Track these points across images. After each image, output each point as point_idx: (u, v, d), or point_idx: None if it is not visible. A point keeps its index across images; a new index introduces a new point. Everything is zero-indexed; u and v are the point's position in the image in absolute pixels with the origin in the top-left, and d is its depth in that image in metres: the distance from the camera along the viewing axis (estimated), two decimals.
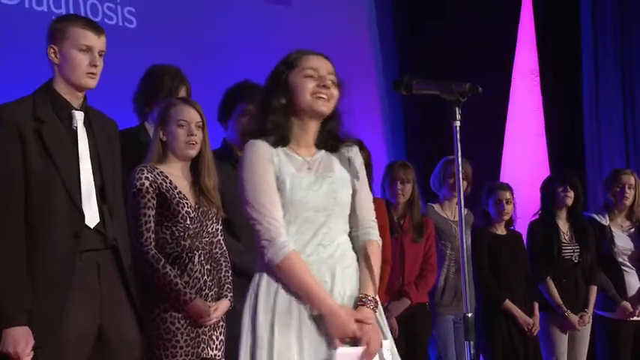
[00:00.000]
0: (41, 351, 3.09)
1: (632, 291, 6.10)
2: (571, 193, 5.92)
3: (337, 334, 2.98)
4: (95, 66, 3.31)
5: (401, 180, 5.23)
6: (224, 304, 3.75)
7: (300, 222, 3.10)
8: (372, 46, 9.45)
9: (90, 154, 3.30)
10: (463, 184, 5.41)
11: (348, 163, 3.32)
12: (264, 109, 3.20)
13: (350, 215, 3.27)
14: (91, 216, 3.22)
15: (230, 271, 3.87)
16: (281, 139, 3.16)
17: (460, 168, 3.22)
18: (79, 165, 3.25)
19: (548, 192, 6.07)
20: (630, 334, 6.01)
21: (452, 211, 5.60)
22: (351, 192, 3.25)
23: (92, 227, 3.22)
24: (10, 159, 3.14)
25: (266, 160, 3.08)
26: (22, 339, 3.05)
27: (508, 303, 5.51)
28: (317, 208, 3.12)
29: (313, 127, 3.25)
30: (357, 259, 3.22)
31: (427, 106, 8.17)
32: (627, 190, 6.05)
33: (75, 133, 3.30)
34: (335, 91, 3.32)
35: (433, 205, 5.59)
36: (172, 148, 3.76)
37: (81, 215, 3.21)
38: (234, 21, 7.98)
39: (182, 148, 3.75)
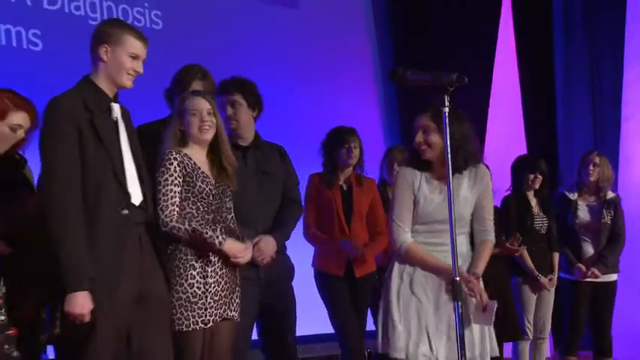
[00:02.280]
0: (99, 313, 3.13)
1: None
2: (539, 178, 5.98)
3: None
4: (137, 71, 3.39)
5: (398, 162, 5.22)
6: (250, 246, 3.83)
7: None
8: (369, 41, 9.35)
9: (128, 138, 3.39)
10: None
11: None
12: None
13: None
14: (136, 195, 3.30)
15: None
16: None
17: (449, 149, 3.23)
18: (122, 152, 3.31)
19: (520, 174, 6.11)
20: (587, 292, 6.05)
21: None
22: None
23: (137, 205, 3.30)
24: (70, 146, 3.18)
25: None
26: (85, 302, 3.09)
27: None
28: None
29: None
30: None
31: (419, 95, 8.14)
32: (592, 168, 6.10)
33: (115, 123, 3.36)
34: None
35: None
36: (191, 135, 3.77)
37: (127, 195, 3.27)
38: (247, 22, 8.01)
39: (198, 133, 3.75)
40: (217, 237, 3.63)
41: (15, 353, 3.17)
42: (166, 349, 3.42)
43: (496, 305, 3.82)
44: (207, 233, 3.63)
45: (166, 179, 3.64)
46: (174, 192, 3.63)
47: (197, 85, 4.22)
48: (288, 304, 4.45)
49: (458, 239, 3.59)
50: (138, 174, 3.38)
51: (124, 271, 3.23)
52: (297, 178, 4.72)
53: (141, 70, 3.43)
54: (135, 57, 3.37)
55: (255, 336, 4.51)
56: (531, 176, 6.05)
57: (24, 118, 3.44)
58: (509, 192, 6.21)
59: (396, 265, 3.82)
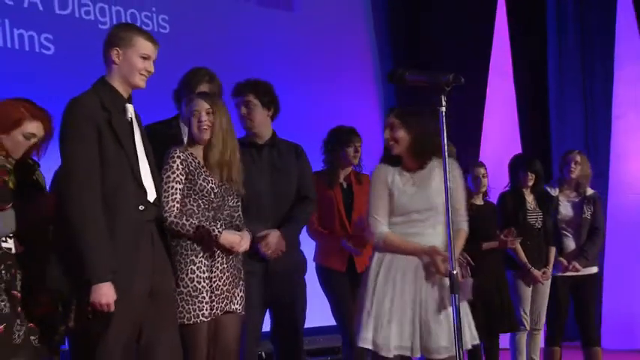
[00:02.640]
0: (118, 303, 3.15)
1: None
2: (533, 176, 5.97)
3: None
4: (149, 71, 3.41)
5: None
6: (247, 235, 3.81)
7: None
8: (368, 42, 9.35)
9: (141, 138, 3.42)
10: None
11: None
12: None
13: None
14: (151, 192, 3.33)
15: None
16: None
17: (446, 147, 3.22)
18: (137, 151, 3.33)
19: (516, 173, 6.10)
20: (568, 285, 6.07)
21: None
22: None
23: (152, 201, 3.33)
24: (89, 146, 3.20)
25: None
26: (110, 292, 3.11)
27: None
28: None
29: None
30: None
31: (418, 95, 8.13)
32: (573, 166, 6.13)
33: (130, 123, 3.38)
34: None
35: None
36: (191, 134, 3.80)
37: (144, 191, 3.30)
38: (247, 25, 8.00)
39: (196, 132, 3.77)
40: (214, 230, 3.64)
41: (38, 344, 3.22)
42: (175, 344, 3.43)
43: (472, 281, 3.91)
44: (203, 227, 3.64)
45: (169, 176, 3.65)
46: (176, 189, 3.65)
47: (204, 88, 4.22)
48: (297, 297, 4.45)
49: (436, 229, 3.85)
50: (151, 171, 3.40)
51: (138, 268, 3.25)
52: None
53: (152, 69, 3.44)
54: (146, 57, 3.38)
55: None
56: (526, 175, 6.04)
57: (38, 127, 3.46)
58: (506, 189, 6.21)
59: (375, 256, 3.86)
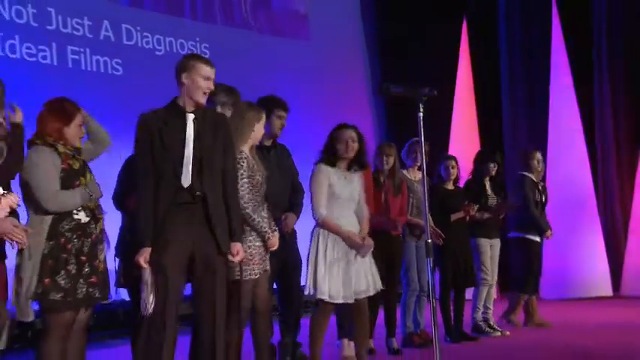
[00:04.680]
0: (161, 263, 3.17)
1: None
2: (495, 166, 5.85)
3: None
4: (210, 89, 3.39)
5: (386, 154, 5.16)
6: (276, 237, 3.79)
7: None
8: (363, 64, 9.39)
9: (194, 140, 3.32)
10: (425, 158, 5.37)
11: None
12: None
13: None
14: (185, 180, 3.25)
15: None
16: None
17: (423, 145, 3.22)
18: (184, 149, 3.30)
19: (481, 163, 5.92)
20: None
21: (414, 175, 5.46)
22: None
23: (185, 187, 3.26)
24: (145, 148, 3.25)
25: None
26: (146, 254, 3.14)
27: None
28: None
29: None
30: None
31: (401, 104, 8.10)
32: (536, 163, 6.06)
33: (184, 128, 3.33)
34: None
35: (402, 170, 5.33)
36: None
37: (178, 180, 3.24)
38: (268, 52, 8.08)
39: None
40: (267, 232, 3.65)
41: (97, 294, 3.20)
42: (218, 291, 3.35)
43: (372, 244, 4.03)
44: (264, 228, 3.63)
45: (241, 175, 3.59)
46: (244, 183, 3.60)
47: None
48: (298, 260, 4.44)
49: (351, 212, 4.04)
50: (199, 164, 3.32)
51: (170, 239, 3.22)
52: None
53: (212, 87, 3.40)
54: (207, 78, 3.35)
55: None
56: (491, 165, 5.88)
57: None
58: (470, 177, 6.03)
59: (320, 232, 3.96)
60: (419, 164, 5.38)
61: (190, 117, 3.35)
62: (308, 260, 4.01)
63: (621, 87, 8.78)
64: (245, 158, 3.64)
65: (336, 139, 4.07)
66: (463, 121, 9.00)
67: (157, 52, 7.21)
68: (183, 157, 3.29)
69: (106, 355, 5.30)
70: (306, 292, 3.99)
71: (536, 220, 5.95)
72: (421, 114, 3.15)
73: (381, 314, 5.09)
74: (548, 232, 6.01)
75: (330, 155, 4.05)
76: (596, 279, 8.04)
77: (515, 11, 9.33)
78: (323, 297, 3.87)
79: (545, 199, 6.13)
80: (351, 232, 3.94)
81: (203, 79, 3.34)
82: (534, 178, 6.07)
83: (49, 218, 3.08)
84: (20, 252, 3.05)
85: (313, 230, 4.03)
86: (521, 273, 6.06)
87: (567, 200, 8.14)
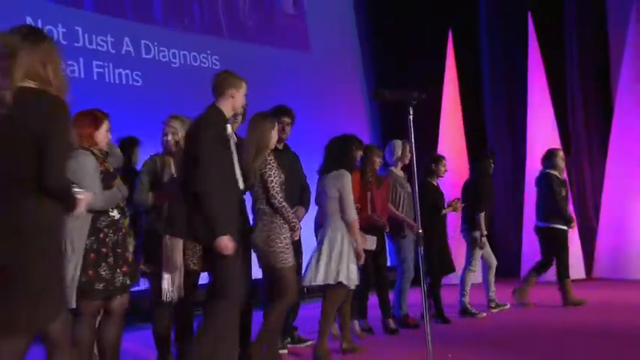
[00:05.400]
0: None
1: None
2: (492, 165, 5.98)
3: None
4: (246, 103, 3.56)
5: (377, 155, 5.06)
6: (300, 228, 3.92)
7: None
8: (359, 69, 9.39)
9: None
10: (409, 157, 5.32)
11: None
12: None
13: None
14: (241, 183, 3.41)
15: None
16: None
17: (413, 145, 3.23)
18: (233, 153, 3.41)
19: (482, 164, 5.96)
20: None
21: (401, 172, 5.38)
22: None
23: (242, 188, 3.43)
24: (218, 148, 3.30)
25: None
26: (231, 242, 3.20)
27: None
28: None
29: None
30: None
31: (394, 107, 7.93)
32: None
33: (229, 137, 3.43)
34: None
35: (392, 168, 5.33)
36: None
37: (238, 182, 3.39)
38: (272, 63, 8.15)
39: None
40: (296, 224, 3.76)
41: (128, 281, 3.25)
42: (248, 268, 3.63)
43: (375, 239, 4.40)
44: (294, 219, 3.74)
45: (275, 173, 3.69)
46: (277, 182, 3.69)
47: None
48: (300, 247, 4.46)
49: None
50: (241, 169, 3.47)
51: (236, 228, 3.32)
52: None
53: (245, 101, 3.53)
54: (245, 94, 3.48)
55: None
56: (492, 165, 5.98)
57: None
58: (470, 177, 6.08)
59: (341, 226, 4.08)
60: (406, 163, 5.37)
61: (229, 127, 3.45)
62: (320, 250, 4.03)
63: (591, 85, 8.80)
64: (272, 160, 3.73)
65: (356, 153, 4.30)
66: (450, 122, 9.00)
67: (173, 65, 7.29)
68: (234, 160, 3.43)
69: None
70: (319, 280, 4.01)
71: (563, 213, 6.00)
72: (411, 116, 3.17)
73: (372, 299, 5.15)
74: (572, 224, 6.08)
75: (352, 165, 4.20)
76: (570, 263, 8.03)
77: (494, 22, 9.36)
78: (347, 282, 4.00)
79: (567, 193, 6.17)
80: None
81: (244, 95, 3.48)
82: (558, 175, 6.11)
83: (89, 216, 3.11)
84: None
85: (329, 224, 4.08)
86: (552, 259, 6.06)
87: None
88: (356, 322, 4.85)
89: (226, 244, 3.17)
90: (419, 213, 3.27)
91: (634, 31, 7.96)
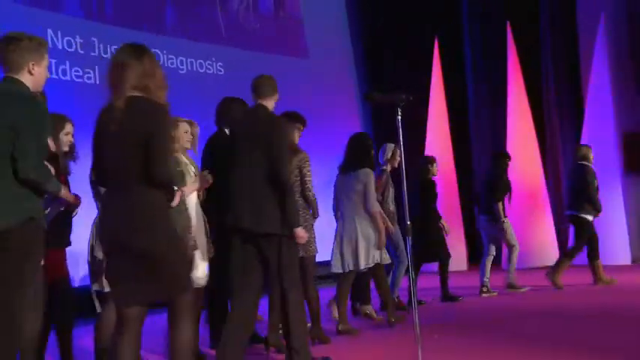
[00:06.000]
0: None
1: None
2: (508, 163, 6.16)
3: None
4: None
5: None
6: None
7: None
8: (352, 74, 9.45)
9: None
10: (398, 160, 5.16)
11: None
12: None
13: None
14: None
15: None
16: None
17: (402, 145, 3.21)
18: None
19: (500, 161, 6.07)
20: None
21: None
22: None
23: None
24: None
25: None
26: (304, 233, 3.21)
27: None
28: None
29: None
30: None
31: (384, 109, 8.02)
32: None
33: None
34: None
35: (385, 167, 5.26)
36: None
37: None
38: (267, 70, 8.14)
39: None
40: (317, 215, 3.90)
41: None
42: None
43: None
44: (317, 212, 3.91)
45: (310, 170, 3.84)
46: (310, 178, 3.85)
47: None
48: None
49: None
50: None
51: None
52: None
53: None
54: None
55: None
56: (508, 162, 6.12)
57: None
58: (489, 172, 6.17)
59: (362, 217, 4.22)
60: (395, 166, 5.32)
61: None
62: (357, 238, 4.18)
63: (564, 87, 8.91)
64: (308, 158, 3.86)
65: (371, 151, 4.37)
66: (436, 123, 9.02)
67: (180, 71, 7.34)
68: None
69: None
70: (346, 267, 4.20)
71: (595, 204, 6.02)
72: (399, 117, 3.18)
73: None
74: (599, 214, 6.09)
75: (372, 163, 4.33)
76: (546, 251, 8.16)
77: (476, 29, 9.43)
78: (382, 262, 4.22)
79: (597, 184, 6.20)
80: None
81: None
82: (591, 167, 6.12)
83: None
84: None
85: (357, 215, 4.21)
86: (582, 244, 6.09)
87: (523, 188, 8.23)
88: (369, 306, 4.92)
89: (303, 233, 3.18)
90: (406, 207, 3.25)
91: (601, 40, 8.17)
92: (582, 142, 8.13)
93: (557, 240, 8.24)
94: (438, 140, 8.88)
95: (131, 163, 2.30)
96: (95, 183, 3.10)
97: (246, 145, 3.18)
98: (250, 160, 3.13)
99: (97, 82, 6.58)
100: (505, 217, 5.90)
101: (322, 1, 9.15)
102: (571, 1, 8.74)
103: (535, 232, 8.24)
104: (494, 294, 5.92)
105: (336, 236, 4.38)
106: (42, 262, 2.62)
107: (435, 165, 5.79)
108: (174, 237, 2.41)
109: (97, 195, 3.18)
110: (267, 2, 8.50)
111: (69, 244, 3.33)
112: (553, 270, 6.08)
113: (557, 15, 8.88)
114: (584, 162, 6.14)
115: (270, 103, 3.33)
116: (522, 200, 8.20)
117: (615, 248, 7.91)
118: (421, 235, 5.31)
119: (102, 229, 2.48)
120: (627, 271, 7.16)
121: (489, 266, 5.99)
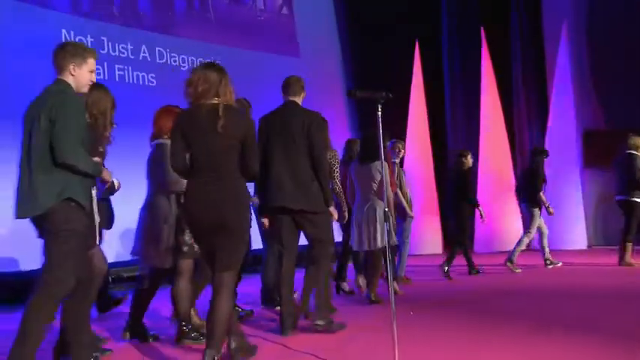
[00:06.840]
0: None
1: None
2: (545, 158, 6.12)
3: None
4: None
5: (355, 149, 5.06)
6: None
7: None
8: (340, 73, 9.41)
9: None
10: (403, 152, 5.16)
11: None
12: None
13: None
14: None
15: None
16: None
17: (381, 138, 3.09)
18: None
19: (538, 157, 6.03)
20: None
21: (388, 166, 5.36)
22: None
23: None
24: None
25: None
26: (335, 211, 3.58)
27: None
28: None
29: None
30: None
31: (367, 105, 8.02)
32: None
33: None
34: None
35: (395, 160, 5.01)
36: None
37: None
38: (262, 69, 8.10)
39: None
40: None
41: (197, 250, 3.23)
42: None
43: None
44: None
45: (337, 164, 3.98)
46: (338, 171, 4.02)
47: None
48: None
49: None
50: None
51: None
52: None
53: None
54: None
55: None
56: (545, 157, 6.05)
57: None
58: (528, 166, 6.15)
59: (378, 201, 4.26)
60: (400, 158, 5.26)
61: None
62: (375, 220, 4.17)
63: (532, 87, 8.90)
64: (338, 154, 4.05)
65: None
66: (416, 121, 8.95)
67: (182, 68, 7.23)
68: None
69: None
70: (366, 247, 4.23)
71: None
72: (380, 112, 3.10)
73: None
74: None
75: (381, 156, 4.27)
76: (516, 237, 8.17)
77: (454, 34, 9.39)
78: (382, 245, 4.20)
79: None
80: None
81: None
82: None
83: (174, 195, 3.21)
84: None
85: (375, 200, 4.21)
86: (636, 223, 5.97)
87: (494, 182, 8.28)
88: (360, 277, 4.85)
89: (334, 211, 3.51)
90: (385, 196, 3.13)
91: (564, 46, 8.25)
92: (546, 138, 8.18)
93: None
94: (418, 136, 8.80)
95: (230, 158, 2.56)
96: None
97: (284, 136, 3.39)
98: (291, 150, 3.36)
99: (106, 77, 6.49)
100: (548, 203, 5.91)
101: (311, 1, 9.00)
102: (536, 11, 8.79)
103: (503, 218, 8.21)
104: (559, 264, 5.98)
105: (354, 219, 4.32)
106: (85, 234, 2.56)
107: (469, 157, 5.77)
108: (248, 217, 2.70)
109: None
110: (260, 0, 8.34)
111: (109, 226, 3.28)
112: (620, 254, 5.95)
113: (526, 23, 8.92)
114: (632, 151, 5.96)
115: (299, 100, 3.52)
116: (493, 189, 8.20)
117: (573, 235, 7.96)
118: (456, 220, 5.53)
119: (199, 213, 2.58)
120: (584, 254, 7.22)
121: (545, 242, 6.01)
